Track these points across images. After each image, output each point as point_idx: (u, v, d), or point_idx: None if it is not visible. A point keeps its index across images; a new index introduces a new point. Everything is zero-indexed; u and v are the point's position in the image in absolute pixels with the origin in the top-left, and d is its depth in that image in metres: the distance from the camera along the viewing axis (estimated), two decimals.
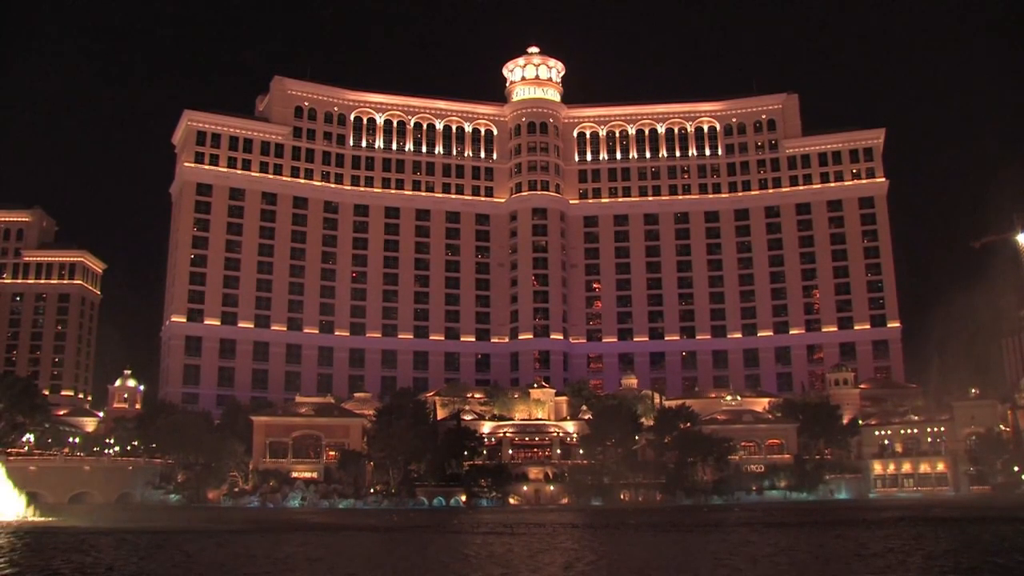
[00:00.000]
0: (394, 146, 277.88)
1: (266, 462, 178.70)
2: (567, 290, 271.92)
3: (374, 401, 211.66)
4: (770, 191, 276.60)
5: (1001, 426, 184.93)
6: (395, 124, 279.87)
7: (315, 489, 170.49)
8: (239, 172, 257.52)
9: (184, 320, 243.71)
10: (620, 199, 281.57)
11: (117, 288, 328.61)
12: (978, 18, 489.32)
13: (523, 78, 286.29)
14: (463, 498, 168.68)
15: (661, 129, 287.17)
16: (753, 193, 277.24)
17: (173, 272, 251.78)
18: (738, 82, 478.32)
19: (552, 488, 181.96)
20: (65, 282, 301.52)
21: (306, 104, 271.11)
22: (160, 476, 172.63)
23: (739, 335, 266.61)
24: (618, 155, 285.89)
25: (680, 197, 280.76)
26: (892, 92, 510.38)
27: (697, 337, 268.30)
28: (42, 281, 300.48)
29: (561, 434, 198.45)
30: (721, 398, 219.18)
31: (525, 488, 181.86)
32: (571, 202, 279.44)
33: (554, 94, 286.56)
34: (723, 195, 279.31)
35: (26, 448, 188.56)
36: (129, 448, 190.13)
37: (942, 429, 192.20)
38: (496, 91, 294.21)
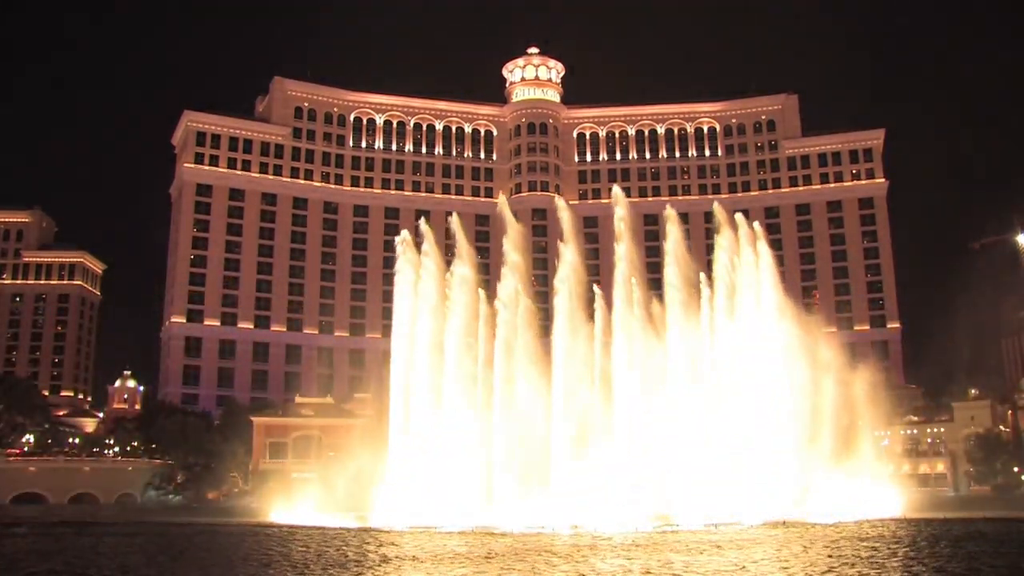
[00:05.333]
0: (394, 147, 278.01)
1: (266, 462, 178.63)
2: None
3: (374, 401, 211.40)
4: (770, 192, 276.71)
5: (1001, 427, 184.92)
6: (395, 125, 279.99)
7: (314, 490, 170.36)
8: (239, 173, 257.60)
9: (184, 321, 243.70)
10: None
11: (117, 288, 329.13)
12: (978, 17, 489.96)
13: (523, 79, 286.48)
14: None
15: (661, 130, 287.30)
16: (753, 194, 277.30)
17: (173, 272, 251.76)
18: (738, 82, 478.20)
19: None
20: (65, 283, 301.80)
21: (306, 105, 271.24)
22: (160, 477, 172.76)
23: None
24: (618, 156, 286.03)
25: (680, 198, 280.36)
26: (892, 92, 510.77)
27: None
28: (42, 282, 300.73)
29: None
30: None
31: None
32: (571, 203, 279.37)
33: (554, 95, 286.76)
34: (723, 196, 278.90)
35: (26, 448, 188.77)
36: (129, 449, 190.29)
37: (942, 430, 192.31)
38: (496, 92, 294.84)
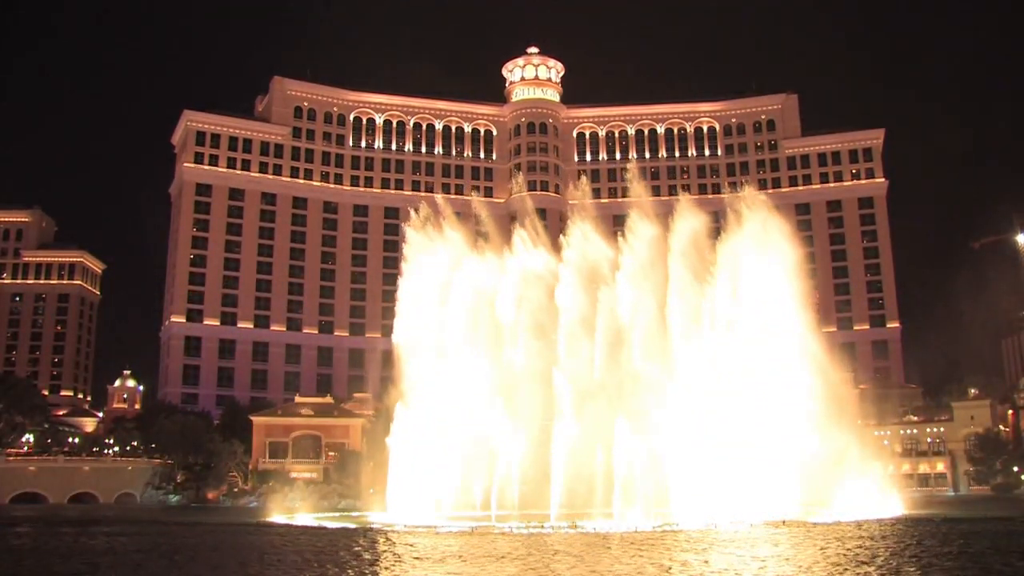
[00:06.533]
0: (394, 146, 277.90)
1: (266, 462, 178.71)
2: None
3: (374, 401, 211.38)
4: (769, 191, 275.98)
5: (1001, 426, 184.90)
6: (395, 124, 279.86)
7: (314, 489, 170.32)
8: (239, 172, 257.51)
9: (184, 320, 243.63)
10: (620, 199, 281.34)
11: (117, 288, 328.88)
12: (979, 17, 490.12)
13: (522, 78, 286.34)
14: None
15: (660, 129, 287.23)
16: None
17: (173, 272, 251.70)
18: (738, 82, 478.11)
19: None
20: (64, 282, 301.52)
21: (306, 104, 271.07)
22: (159, 476, 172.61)
23: None
24: (617, 155, 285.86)
25: (679, 198, 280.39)
26: (892, 92, 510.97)
27: None
28: (41, 281, 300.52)
29: None
30: None
31: None
32: (570, 202, 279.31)
33: (553, 94, 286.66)
34: (723, 195, 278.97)
35: (25, 448, 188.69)
36: (128, 448, 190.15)
37: (941, 430, 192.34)
38: (496, 91, 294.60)
